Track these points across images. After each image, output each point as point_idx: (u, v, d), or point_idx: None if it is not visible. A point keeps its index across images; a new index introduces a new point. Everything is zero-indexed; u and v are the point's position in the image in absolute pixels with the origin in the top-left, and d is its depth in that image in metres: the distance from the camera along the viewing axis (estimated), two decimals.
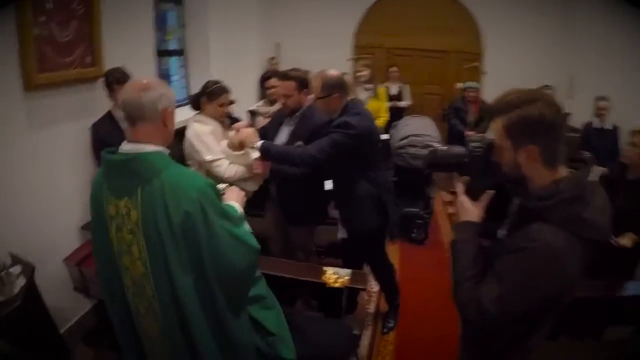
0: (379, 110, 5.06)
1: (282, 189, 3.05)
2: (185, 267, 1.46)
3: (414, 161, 4.48)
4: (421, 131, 4.64)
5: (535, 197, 1.26)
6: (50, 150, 2.91)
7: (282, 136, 2.99)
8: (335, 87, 2.66)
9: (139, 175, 1.46)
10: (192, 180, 1.49)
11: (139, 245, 1.49)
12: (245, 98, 6.08)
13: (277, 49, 7.34)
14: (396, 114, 5.76)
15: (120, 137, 2.40)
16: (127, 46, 3.59)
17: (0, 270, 2.25)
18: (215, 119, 3.01)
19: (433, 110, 6.92)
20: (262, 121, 4.17)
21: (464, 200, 1.44)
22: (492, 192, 1.41)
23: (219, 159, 2.86)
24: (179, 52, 5.14)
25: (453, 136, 5.46)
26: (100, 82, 3.26)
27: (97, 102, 3.27)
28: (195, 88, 5.29)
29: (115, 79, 3.00)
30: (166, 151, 1.55)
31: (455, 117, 5.65)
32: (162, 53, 4.77)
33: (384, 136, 5.07)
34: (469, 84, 5.75)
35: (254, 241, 1.63)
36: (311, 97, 2.84)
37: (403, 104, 6.28)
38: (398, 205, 3.30)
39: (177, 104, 5.08)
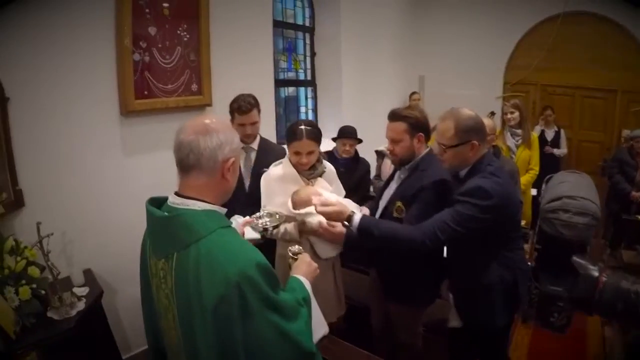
0: (530, 161, 4.07)
1: (379, 253, 2.33)
2: (214, 358, 1.17)
3: (565, 230, 3.39)
4: (578, 193, 3.57)
5: None
6: (144, 176, 2.82)
7: (387, 195, 2.35)
8: (472, 131, 1.97)
9: (175, 238, 1.22)
10: (235, 257, 1.18)
11: (173, 314, 1.26)
12: (377, 136, 5.58)
13: (421, 82, 6.74)
14: (551, 164, 4.75)
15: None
16: (242, 75, 3.44)
17: (65, 288, 2.21)
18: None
19: (590, 162, 5.86)
20: (389, 166, 3.54)
21: None
22: None
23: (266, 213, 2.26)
24: (309, 82, 4.90)
25: (615, 196, 4.68)
26: (209, 110, 3.14)
27: None
28: (326, 120, 5.08)
29: (237, 108, 2.65)
30: (220, 211, 1.29)
31: (619, 173, 4.73)
32: (290, 83, 4.59)
33: (532, 191, 4.14)
34: (639, 132, 4.66)
35: (309, 342, 1.29)
36: (434, 145, 2.17)
37: (560, 152, 5.37)
38: (538, 280, 2.65)
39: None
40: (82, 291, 2.35)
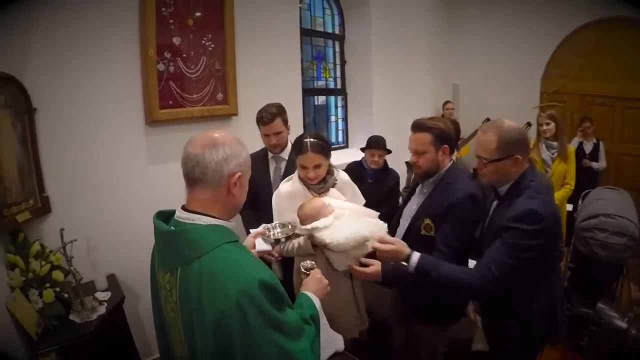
0: (566, 175, 3.81)
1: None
2: None
3: (600, 250, 3.12)
4: (616, 211, 3.29)
5: None
6: (168, 184, 2.80)
7: (409, 210, 2.23)
8: (516, 145, 1.81)
9: (180, 253, 1.21)
10: (237, 274, 1.15)
11: (179, 327, 1.27)
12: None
13: (455, 91, 6.53)
14: (588, 179, 4.46)
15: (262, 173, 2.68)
16: (269, 84, 3.45)
17: (87, 291, 2.25)
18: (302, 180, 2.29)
19: (630, 177, 5.52)
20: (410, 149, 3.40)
21: None
22: None
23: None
24: (339, 91, 4.85)
25: None
26: (235, 119, 3.16)
27: None
28: (356, 129, 5.01)
29: (259, 118, 2.65)
30: (227, 225, 1.27)
31: None
32: (320, 91, 4.56)
33: (568, 207, 3.92)
34: None
35: None
36: (465, 157, 2.06)
37: (598, 165, 5.07)
38: (570, 301, 2.61)
39: (335, 147, 5.01)
40: (104, 296, 2.40)
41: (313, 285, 1.53)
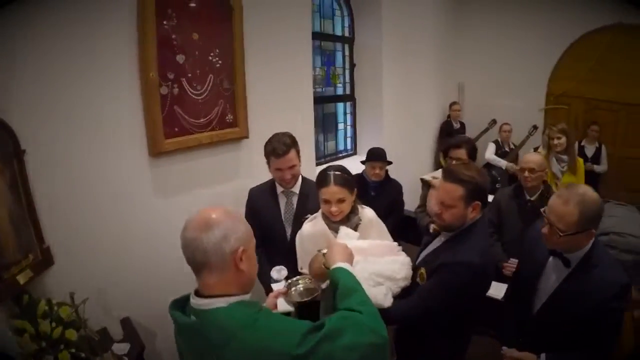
0: None
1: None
2: None
3: None
4: (625, 229, 3.29)
5: None
6: (178, 217, 2.50)
7: (421, 257, 2.07)
8: (596, 219, 1.77)
9: (210, 341, 1.17)
10: (279, 342, 1.13)
11: None
12: (417, 151, 5.20)
13: (461, 91, 6.35)
14: (589, 181, 4.39)
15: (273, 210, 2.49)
16: (280, 98, 3.15)
17: (104, 347, 2.02)
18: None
19: (633, 179, 5.65)
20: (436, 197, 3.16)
21: None
22: None
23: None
24: (348, 97, 4.55)
25: None
26: (245, 143, 2.86)
27: (240, 164, 2.90)
28: (365, 137, 4.74)
29: (272, 151, 2.35)
30: (244, 298, 1.23)
31: None
32: (328, 99, 4.25)
33: None
34: None
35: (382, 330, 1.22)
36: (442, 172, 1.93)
37: (600, 168, 5.22)
38: None
39: (343, 155, 4.78)
40: (123, 349, 2.15)
41: (338, 254, 1.56)
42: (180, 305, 1.26)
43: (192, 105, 2.51)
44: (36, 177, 1.95)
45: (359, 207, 2.16)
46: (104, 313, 2.27)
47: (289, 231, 2.47)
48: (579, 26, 5.49)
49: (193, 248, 1.19)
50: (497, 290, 2.55)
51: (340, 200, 2.00)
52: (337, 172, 2.04)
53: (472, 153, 3.03)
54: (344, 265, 1.49)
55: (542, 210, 1.88)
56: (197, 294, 1.22)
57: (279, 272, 2.22)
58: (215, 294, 1.19)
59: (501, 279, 2.73)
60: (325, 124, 4.38)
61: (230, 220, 1.23)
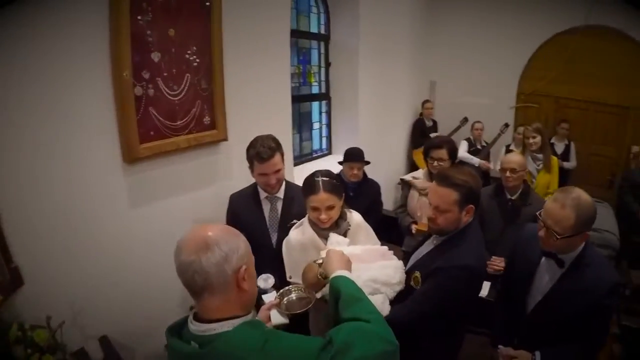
0: (549, 185, 3.95)
1: None
2: None
3: None
4: (602, 225, 3.61)
5: None
6: (155, 225, 2.40)
7: (413, 261, 2.03)
8: (590, 222, 1.80)
9: None
10: (301, 351, 1.11)
11: None
12: (393, 150, 5.18)
13: (432, 88, 6.41)
14: (560, 178, 4.54)
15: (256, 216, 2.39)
16: (258, 96, 3.01)
17: None
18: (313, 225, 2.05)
19: (599, 175, 5.88)
20: (416, 199, 3.15)
21: None
22: None
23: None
24: (323, 96, 4.45)
25: (624, 216, 4.43)
26: (224, 145, 2.70)
27: (219, 168, 2.76)
28: (340, 136, 4.67)
29: (255, 155, 2.25)
30: (247, 318, 1.17)
31: (630, 194, 4.57)
32: (304, 98, 4.13)
33: None
34: None
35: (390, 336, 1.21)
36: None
37: (569, 165, 5.35)
38: None
39: (318, 155, 4.71)
40: None
41: (334, 262, 1.53)
42: (176, 331, 1.17)
43: (168, 106, 2.34)
44: (0, 189, 1.75)
45: (347, 211, 2.11)
46: (80, 333, 2.10)
47: (274, 238, 2.37)
48: (549, 27, 5.60)
49: (192, 272, 1.10)
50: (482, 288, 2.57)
51: (330, 207, 1.94)
52: (325, 178, 1.96)
53: (453, 153, 3.05)
54: (344, 273, 1.46)
55: (537, 213, 1.89)
56: (197, 317, 1.15)
57: (265, 280, 2.11)
58: (217, 318, 1.12)
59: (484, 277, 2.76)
60: (301, 124, 4.26)
61: (229, 237, 1.16)
